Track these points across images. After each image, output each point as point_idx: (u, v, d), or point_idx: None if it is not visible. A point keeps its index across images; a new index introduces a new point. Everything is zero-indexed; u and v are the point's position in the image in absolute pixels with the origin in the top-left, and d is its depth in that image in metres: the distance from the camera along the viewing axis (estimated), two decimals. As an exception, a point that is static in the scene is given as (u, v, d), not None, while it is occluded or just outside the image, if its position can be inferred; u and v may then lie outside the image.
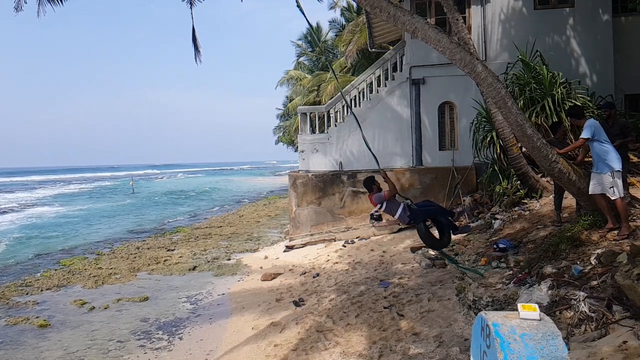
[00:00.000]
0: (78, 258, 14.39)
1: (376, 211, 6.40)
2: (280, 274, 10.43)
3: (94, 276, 11.75)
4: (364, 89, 13.65)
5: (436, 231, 6.91)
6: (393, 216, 6.35)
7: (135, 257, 13.85)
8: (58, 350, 7.34)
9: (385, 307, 6.66)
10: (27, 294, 10.57)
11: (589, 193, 5.79)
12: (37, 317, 8.82)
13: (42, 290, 10.75)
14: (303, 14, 6.56)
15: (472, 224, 9.95)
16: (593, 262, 5.07)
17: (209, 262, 12.82)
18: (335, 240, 12.28)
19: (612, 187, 5.50)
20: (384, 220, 9.75)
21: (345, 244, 11.76)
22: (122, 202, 35.55)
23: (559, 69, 10.28)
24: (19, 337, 7.99)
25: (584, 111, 7.17)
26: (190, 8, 9.38)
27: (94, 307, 9.37)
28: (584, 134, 5.77)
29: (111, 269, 12.52)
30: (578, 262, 5.27)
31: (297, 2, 6.52)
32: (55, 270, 12.85)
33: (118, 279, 11.48)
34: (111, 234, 19.59)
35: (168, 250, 14.77)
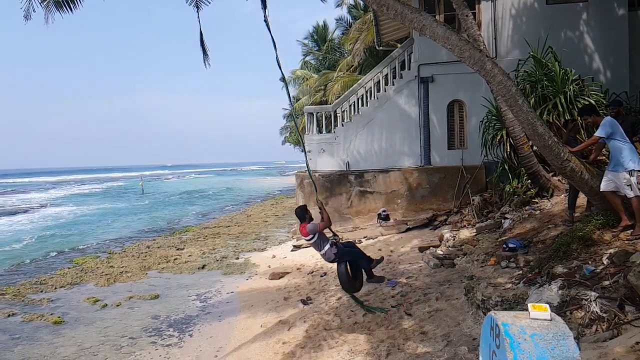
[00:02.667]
0: (90, 257, 14.55)
1: (322, 240, 6.25)
2: (288, 273, 10.45)
3: (106, 274, 11.88)
4: (371, 87, 13.61)
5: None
6: (319, 251, 6.24)
7: (145, 256, 13.96)
8: (72, 346, 7.43)
9: (392, 306, 6.65)
10: (42, 291, 10.71)
11: (601, 190, 5.72)
12: (51, 314, 8.94)
13: (56, 288, 10.90)
14: (269, 30, 6.46)
15: (482, 224, 9.90)
16: (605, 262, 5.02)
17: (217, 261, 12.88)
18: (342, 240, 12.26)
19: (629, 185, 5.43)
20: (391, 220, 9.72)
21: (354, 243, 11.74)
22: (132, 203, 35.85)
23: (572, 66, 10.16)
24: (34, 333, 8.11)
25: (597, 109, 7.09)
26: (197, 12, 9.39)
27: (106, 305, 9.47)
28: (598, 132, 5.71)
29: (122, 267, 12.64)
30: (590, 262, 5.22)
31: (265, 18, 6.44)
32: (69, 268, 13.00)
33: (129, 277, 11.59)
34: (122, 233, 19.77)
35: (178, 249, 14.87)
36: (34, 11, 9.25)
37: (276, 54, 6.41)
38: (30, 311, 9.26)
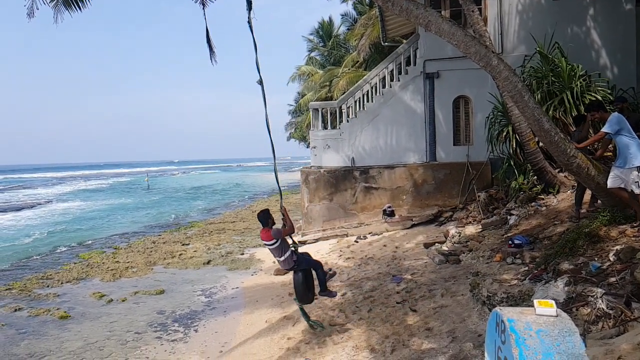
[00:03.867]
0: (96, 252, 14.65)
1: (283, 251, 6.18)
2: (293, 268, 10.47)
3: (112, 270, 11.95)
4: (376, 83, 13.56)
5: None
6: (280, 257, 6.19)
7: (151, 251, 14.04)
8: (78, 340, 7.50)
9: (397, 302, 6.66)
10: (48, 286, 10.81)
11: (608, 187, 5.68)
12: (57, 309, 9.02)
13: (62, 283, 10.99)
14: (251, 32, 6.41)
15: (487, 220, 9.87)
16: (611, 259, 4.99)
17: (223, 256, 12.93)
18: (347, 236, 12.28)
19: (637, 181, 5.38)
20: (396, 217, 9.68)
21: (358, 240, 11.75)
22: (138, 198, 36.01)
23: (579, 61, 10.07)
24: (41, 327, 8.18)
25: (604, 104, 7.03)
26: (203, 8, 9.36)
27: (112, 300, 9.54)
28: (605, 128, 5.66)
29: (128, 262, 12.72)
30: (596, 259, 5.19)
31: (248, 20, 6.39)
32: (75, 264, 13.10)
33: (135, 273, 11.66)
34: (128, 229, 19.88)
35: (183, 244, 14.94)
36: (38, 9, 9.27)
37: (256, 56, 6.39)
38: (37, 306, 9.33)
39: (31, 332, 7.99)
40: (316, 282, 6.42)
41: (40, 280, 11.35)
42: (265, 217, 6.20)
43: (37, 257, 14.55)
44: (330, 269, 7.06)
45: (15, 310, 9.10)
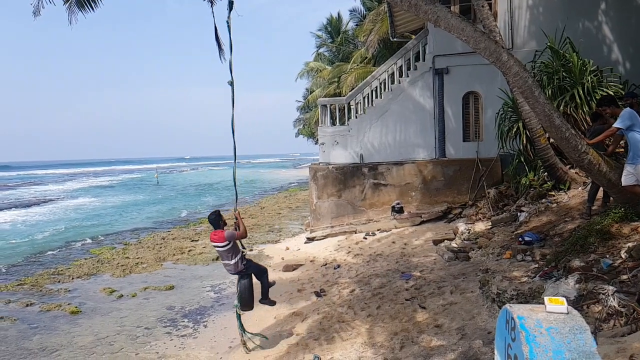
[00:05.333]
0: (107, 248, 14.78)
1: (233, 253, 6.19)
2: (301, 265, 10.49)
3: (122, 265, 12.06)
4: (385, 79, 13.51)
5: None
6: (230, 260, 6.19)
7: (160, 247, 14.14)
8: (89, 335, 7.58)
9: (406, 299, 6.64)
10: (59, 282, 10.93)
11: (623, 185, 5.60)
12: (69, 304, 9.12)
13: (73, 279, 11.10)
14: (229, 31, 6.39)
15: (497, 217, 9.81)
16: (623, 256, 4.94)
17: (232, 252, 12.97)
18: (356, 233, 12.27)
19: None
20: (405, 213, 9.63)
21: (366, 236, 11.74)
22: (147, 195, 36.28)
23: (590, 56, 9.94)
24: (52, 322, 8.28)
25: (616, 100, 6.94)
26: (211, 7, 9.35)
27: (122, 295, 9.62)
28: (617, 123, 5.59)
29: (138, 258, 12.82)
30: (607, 256, 5.14)
31: (227, 19, 6.37)
32: (86, 259, 13.22)
33: (145, 268, 11.75)
34: (138, 225, 20.03)
35: (192, 240, 15.03)
36: (44, 7, 9.33)
37: (230, 57, 6.41)
38: (48, 301, 9.45)
39: (43, 327, 8.09)
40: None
41: (51, 275, 11.49)
42: (216, 219, 6.21)
43: (49, 252, 14.71)
44: (273, 281, 7.09)
45: (27, 305, 9.22)
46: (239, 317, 6.45)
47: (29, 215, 25.20)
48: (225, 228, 6.26)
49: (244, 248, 6.46)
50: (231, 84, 6.42)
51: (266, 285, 6.63)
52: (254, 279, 6.52)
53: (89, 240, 16.62)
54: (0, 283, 11.03)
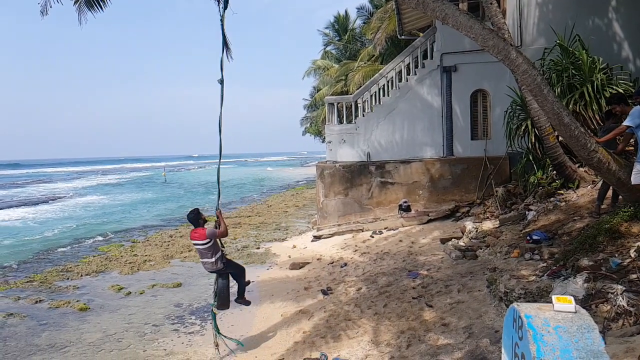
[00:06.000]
0: (115, 245, 14.89)
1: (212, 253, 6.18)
2: (308, 263, 10.50)
3: (130, 263, 12.15)
4: (392, 77, 13.46)
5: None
6: (210, 258, 6.18)
7: (168, 245, 14.22)
8: (97, 332, 7.64)
9: (413, 298, 6.63)
10: (68, 279, 11.03)
11: (632, 183, 5.55)
12: (77, 301, 9.20)
13: (81, 276, 11.20)
14: (222, 29, 6.37)
15: (505, 215, 9.75)
16: (633, 255, 4.89)
17: (238, 250, 13.03)
18: (362, 231, 12.26)
19: None
20: (412, 212, 9.57)
21: (373, 235, 11.72)
22: (155, 193, 36.48)
23: (600, 54, 9.84)
24: (61, 319, 8.36)
25: (625, 97, 6.86)
26: (218, 5, 9.35)
27: (130, 292, 9.69)
28: (627, 121, 5.53)
29: (146, 256, 12.90)
30: (616, 255, 5.10)
31: (221, 17, 6.35)
32: (94, 257, 13.33)
33: (152, 266, 11.82)
34: (145, 223, 20.16)
35: (200, 238, 15.08)
36: (51, 7, 9.39)
37: (222, 55, 6.39)
38: (57, 298, 9.54)
39: (52, 323, 8.17)
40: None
41: (60, 272, 11.59)
42: (195, 217, 6.22)
43: (58, 250, 14.85)
44: (249, 281, 7.09)
45: (36, 302, 9.31)
46: (214, 316, 6.48)
47: (38, 213, 25.46)
48: (205, 226, 6.27)
49: (223, 247, 6.47)
50: (221, 82, 6.43)
51: (243, 284, 6.69)
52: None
53: (97, 238, 16.75)
54: (10, 280, 11.16)
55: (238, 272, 6.65)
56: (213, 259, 6.20)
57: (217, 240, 6.32)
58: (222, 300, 6.43)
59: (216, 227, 6.37)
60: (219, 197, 6.88)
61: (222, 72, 6.44)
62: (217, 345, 6.37)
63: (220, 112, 6.47)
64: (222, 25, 6.37)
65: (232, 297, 6.70)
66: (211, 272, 6.46)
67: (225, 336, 6.46)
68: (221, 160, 7.04)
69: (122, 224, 20.23)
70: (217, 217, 6.43)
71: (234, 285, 6.73)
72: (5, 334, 7.73)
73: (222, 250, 6.39)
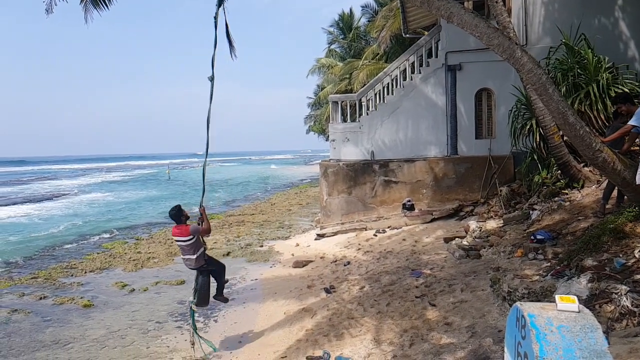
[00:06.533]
0: (119, 242, 14.95)
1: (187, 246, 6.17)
2: (311, 261, 10.51)
3: (134, 260, 12.19)
4: (397, 76, 13.43)
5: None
6: (192, 255, 6.18)
7: (172, 242, 14.19)
8: (101, 329, 7.68)
9: (417, 297, 6.62)
10: (72, 275, 11.08)
11: (637, 183, 5.52)
12: (81, 298, 9.24)
13: (85, 273, 11.25)
14: (215, 28, 6.36)
15: (509, 215, 9.72)
16: (637, 255, 4.87)
17: (242, 248, 13.05)
18: (366, 230, 12.25)
19: None
20: (416, 210, 9.52)
21: (377, 233, 11.72)
22: (160, 191, 36.59)
23: (606, 53, 9.78)
24: (65, 315, 8.40)
25: (631, 97, 6.82)
26: (223, 3, 9.33)
27: (133, 289, 9.73)
28: (632, 121, 5.50)
29: (149, 253, 12.94)
30: (621, 255, 5.07)
31: (215, 15, 6.34)
32: (98, 254, 13.39)
33: (156, 263, 11.86)
34: (149, 220, 20.22)
35: (203, 236, 15.11)
36: (56, 4, 9.42)
37: (214, 53, 6.39)
38: (61, 294, 9.58)
39: (56, 319, 8.21)
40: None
41: (64, 269, 11.65)
42: (177, 214, 6.21)
43: (62, 246, 14.92)
44: (227, 279, 7.10)
45: (41, 298, 9.36)
46: (192, 313, 6.49)
47: (43, 210, 25.59)
48: (187, 223, 6.27)
49: (204, 244, 6.47)
50: (211, 79, 6.43)
51: (222, 282, 6.74)
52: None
53: (101, 235, 16.83)
54: (15, 276, 11.23)
55: (219, 270, 6.70)
56: (195, 256, 6.23)
57: (200, 237, 6.32)
58: (201, 297, 6.47)
59: (199, 224, 6.37)
60: (203, 194, 6.88)
61: (213, 69, 6.45)
62: (192, 343, 6.34)
63: (209, 109, 6.48)
64: (215, 23, 6.37)
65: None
66: (192, 269, 6.48)
67: (201, 337, 6.43)
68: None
69: (126, 221, 20.30)
70: (201, 214, 6.43)
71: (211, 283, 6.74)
72: (10, 329, 7.78)
73: (204, 248, 6.39)
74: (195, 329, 6.45)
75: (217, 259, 7.04)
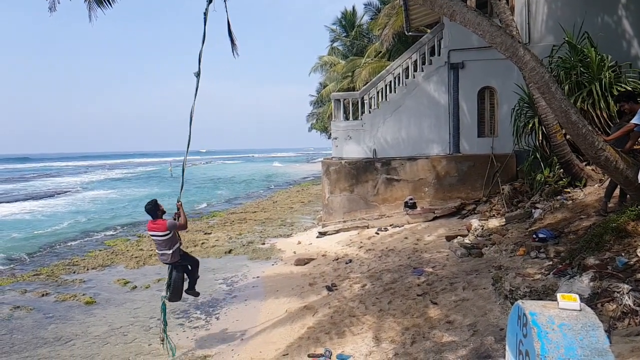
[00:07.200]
0: (121, 240, 14.98)
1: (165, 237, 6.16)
2: (313, 259, 10.52)
3: (136, 257, 12.22)
4: (399, 74, 13.41)
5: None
6: (168, 250, 6.17)
7: (174, 240, 14.28)
8: (103, 325, 7.70)
9: (418, 295, 6.62)
10: (74, 272, 11.11)
11: (639, 182, 5.50)
12: (83, 295, 9.27)
13: (88, 270, 11.28)
14: (205, 24, 6.37)
15: (511, 213, 9.71)
16: (639, 254, 4.86)
17: (244, 246, 13.07)
18: (368, 228, 12.25)
19: None
20: (418, 209, 9.49)
21: (379, 232, 11.71)
22: (162, 188, 36.64)
23: (609, 51, 9.75)
24: (67, 312, 8.43)
25: (634, 95, 6.80)
26: (224, 1, 9.32)
27: (135, 287, 9.75)
28: (635, 119, 5.49)
29: (152, 250, 12.93)
30: (623, 254, 5.06)
31: (205, 11, 6.33)
32: (100, 251, 13.43)
33: (158, 260, 11.83)
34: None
35: (205, 233, 15.14)
36: (59, 3, 9.43)
37: (201, 48, 6.38)
38: (63, 291, 9.61)
39: (58, 316, 8.24)
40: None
41: (67, 266, 11.69)
42: (153, 208, 6.20)
43: (64, 243, 14.97)
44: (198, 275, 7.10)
45: (43, 295, 9.39)
46: (164, 309, 6.48)
47: (46, 207, 25.66)
48: (164, 218, 6.28)
49: (180, 239, 6.49)
50: (197, 75, 6.43)
51: (195, 277, 6.75)
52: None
53: (103, 232, 16.88)
54: (18, 273, 11.27)
55: (193, 265, 6.72)
56: (170, 251, 6.23)
57: (176, 232, 6.34)
58: (175, 292, 6.48)
59: (175, 219, 6.37)
60: (181, 188, 6.88)
61: (200, 65, 6.45)
62: (162, 340, 6.34)
63: (193, 104, 6.47)
64: (205, 19, 6.37)
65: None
66: (167, 264, 6.47)
67: (167, 335, 6.39)
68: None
69: (128, 218, 20.34)
70: (178, 209, 6.44)
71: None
72: (12, 326, 7.81)
73: (180, 243, 6.41)
74: (165, 324, 6.44)
75: (191, 254, 7.06)
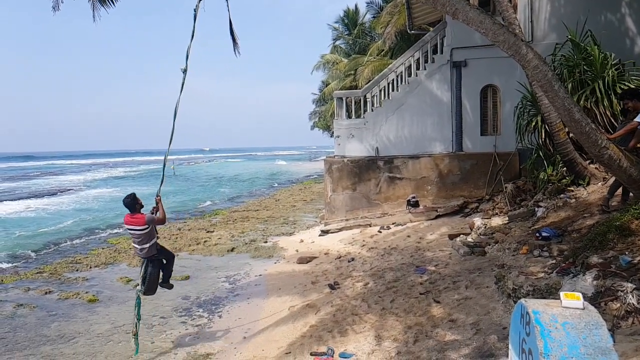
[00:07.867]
0: (124, 238, 14.98)
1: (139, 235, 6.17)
2: (315, 257, 10.52)
3: (138, 255, 12.24)
4: (402, 72, 13.38)
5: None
6: (145, 244, 6.17)
7: (176, 238, 14.31)
8: (106, 323, 7.72)
9: (421, 293, 6.61)
10: (77, 270, 11.15)
11: None
12: (86, 293, 9.29)
13: (90, 268, 11.31)
14: (194, 20, 6.37)
15: (514, 211, 9.69)
16: (643, 253, 4.84)
17: (246, 244, 13.08)
18: (370, 226, 12.24)
19: None
20: (420, 207, 9.45)
21: (381, 230, 11.71)
22: (164, 186, 36.69)
23: (612, 49, 9.70)
24: (70, 310, 8.45)
25: (638, 93, 6.76)
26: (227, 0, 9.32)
27: (138, 284, 9.75)
28: (638, 118, 5.47)
29: (154, 248, 12.99)
30: (627, 253, 5.04)
31: (195, 8, 6.34)
32: (103, 249, 13.46)
33: (159, 258, 11.90)
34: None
35: (208, 231, 15.17)
36: (62, 2, 9.46)
37: (189, 44, 6.38)
38: (66, 289, 9.64)
39: (61, 314, 8.26)
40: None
41: (69, 264, 11.72)
42: (132, 202, 6.22)
43: (67, 241, 15.01)
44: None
45: (46, 293, 9.42)
46: (138, 302, 6.49)
47: (50, 205, 25.73)
48: (142, 212, 6.29)
49: (157, 233, 6.52)
50: (184, 71, 6.45)
51: (170, 271, 6.80)
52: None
53: (106, 230, 16.92)
54: (21, 271, 11.31)
55: (168, 259, 6.75)
56: (147, 245, 6.25)
57: (154, 227, 6.36)
58: (150, 286, 6.51)
59: (153, 213, 6.39)
60: (161, 183, 6.90)
61: (187, 61, 6.47)
62: (135, 334, 6.34)
63: (178, 100, 6.50)
64: (195, 16, 6.38)
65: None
66: (143, 258, 6.48)
67: (137, 332, 6.40)
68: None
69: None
70: (157, 204, 6.45)
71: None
72: (15, 324, 7.84)
73: (157, 237, 6.43)
74: (139, 318, 6.45)
75: (167, 248, 7.09)
